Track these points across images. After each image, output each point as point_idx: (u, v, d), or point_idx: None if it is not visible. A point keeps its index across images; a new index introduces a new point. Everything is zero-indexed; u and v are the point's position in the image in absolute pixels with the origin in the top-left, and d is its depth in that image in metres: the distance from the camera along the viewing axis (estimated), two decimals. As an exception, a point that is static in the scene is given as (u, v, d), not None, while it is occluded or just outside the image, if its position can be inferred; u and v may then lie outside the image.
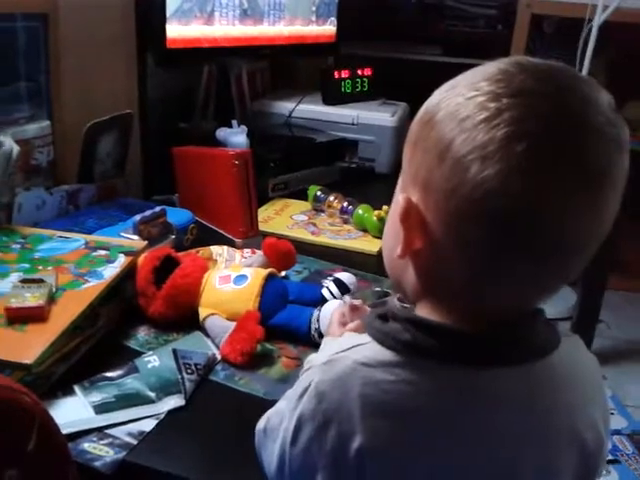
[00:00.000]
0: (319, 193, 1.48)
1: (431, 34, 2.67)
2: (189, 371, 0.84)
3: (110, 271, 0.96)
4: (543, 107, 0.48)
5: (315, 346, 0.86)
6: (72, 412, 0.77)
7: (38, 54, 1.22)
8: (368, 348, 0.55)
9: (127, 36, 1.44)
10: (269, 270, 1.00)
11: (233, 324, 0.91)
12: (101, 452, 0.72)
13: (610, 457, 1.85)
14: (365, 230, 1.36)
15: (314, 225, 1.40)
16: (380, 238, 1.25)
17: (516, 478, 0.55)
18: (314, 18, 1.86)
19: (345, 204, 1.42)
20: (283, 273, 1.10)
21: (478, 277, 0.52)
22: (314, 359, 0.69)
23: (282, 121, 1.83)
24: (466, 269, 0.52)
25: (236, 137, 1.50)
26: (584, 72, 2.03)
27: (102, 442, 0.74)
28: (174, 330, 0.95)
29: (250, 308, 0.93)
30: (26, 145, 1.17)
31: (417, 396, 0.53)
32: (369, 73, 1.94)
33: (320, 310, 0.94)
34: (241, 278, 0.97)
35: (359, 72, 1.92)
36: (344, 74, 1.89)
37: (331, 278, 1.04)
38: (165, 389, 0.81)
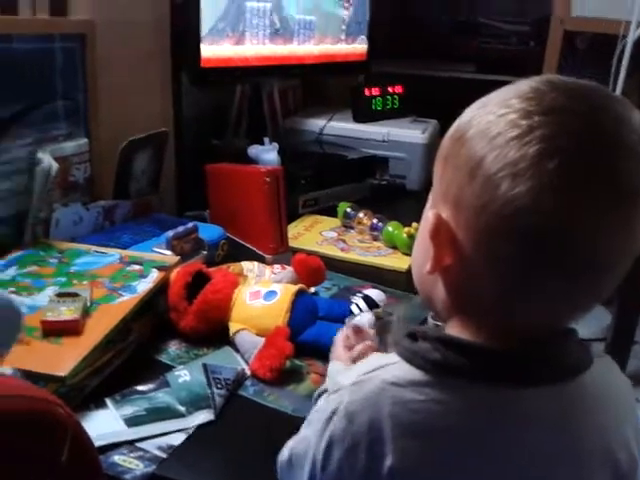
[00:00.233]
0: (349, 210, 1.48)
1: (463, 51, 2.68)
2: (219, 386, 0.84)
3: (143, 286, 0.98)
4: (575, 125, 0.48)
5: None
6: (104, 425, 0.78)
7: (75, 73, 1.24)
8: (397, 367, 0.55)
9: (162, 53, 1.46)
10: (299, 286, 1.01)
11: (262, 340, 0.92)
12: (131, 465, 0.73)
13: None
14: (395, 247, 1.36)
15: (344, 242, 1.40)
16: (410, 255, 1.24)
17: None
18: (343, 37, 1.87)
19: (375, 221, 1.41)
20: (312, 289, 1.10)
21: (508, 293, 0.51)
22: (333, 383, 0.69)
23: (313, 138, 1.84)
24: (496, 285, 0.51)
25: (268, 154, 1.52)
26: (618, 90, 2.00)
27: (132, 455, 0.74)
28: (204, 345, 0.96)
29: (279, 324, 0.94)
30: (64, 162, 1.19)
31: (447, 415, 0.52)
32: (400, 91, 1.95)
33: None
34: (271, 294, 0.98)
35: (390, 89, 1.93)
36: (375, 92, 1.90)
37: (360, 295, 1.04)
38: (195, 403, 0.82)
